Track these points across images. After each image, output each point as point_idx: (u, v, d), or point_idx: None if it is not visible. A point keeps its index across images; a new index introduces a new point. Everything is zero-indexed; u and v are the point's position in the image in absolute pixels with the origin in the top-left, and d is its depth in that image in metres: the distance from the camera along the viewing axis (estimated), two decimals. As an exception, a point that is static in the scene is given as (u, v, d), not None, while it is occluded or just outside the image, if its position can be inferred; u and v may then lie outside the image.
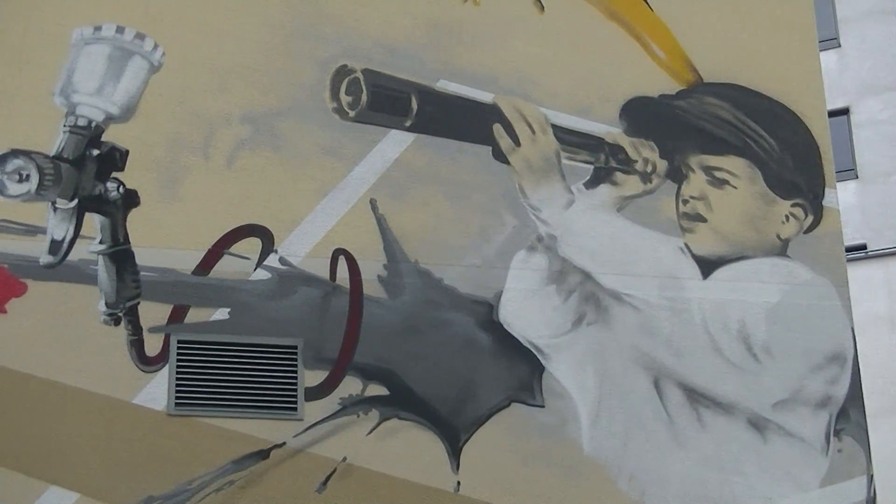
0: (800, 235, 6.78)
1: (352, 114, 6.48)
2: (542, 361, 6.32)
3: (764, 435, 6.39)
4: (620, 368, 6.38)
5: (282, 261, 6.24)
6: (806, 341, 6.56)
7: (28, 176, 6.01)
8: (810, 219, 6.83)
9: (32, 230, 6.03)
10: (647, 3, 6.97)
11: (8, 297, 5.95)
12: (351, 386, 6.14)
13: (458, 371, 6.25)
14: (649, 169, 6.69)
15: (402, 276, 6.28)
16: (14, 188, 6.02)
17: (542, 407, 6.26)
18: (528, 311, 6.38)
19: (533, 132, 6.61)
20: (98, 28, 6.26)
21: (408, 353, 6.24)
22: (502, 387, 6.28)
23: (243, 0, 6.51)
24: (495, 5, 6.80)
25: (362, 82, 6.46)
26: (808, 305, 6.61)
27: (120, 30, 6.29)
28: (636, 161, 6.69)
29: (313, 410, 6.07)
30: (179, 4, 6.47)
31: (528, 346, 6.34)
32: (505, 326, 6.37)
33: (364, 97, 6.44)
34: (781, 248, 6.75)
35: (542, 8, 6.85)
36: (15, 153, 6.04)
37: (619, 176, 6.67)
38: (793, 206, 6.83)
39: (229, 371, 6.07)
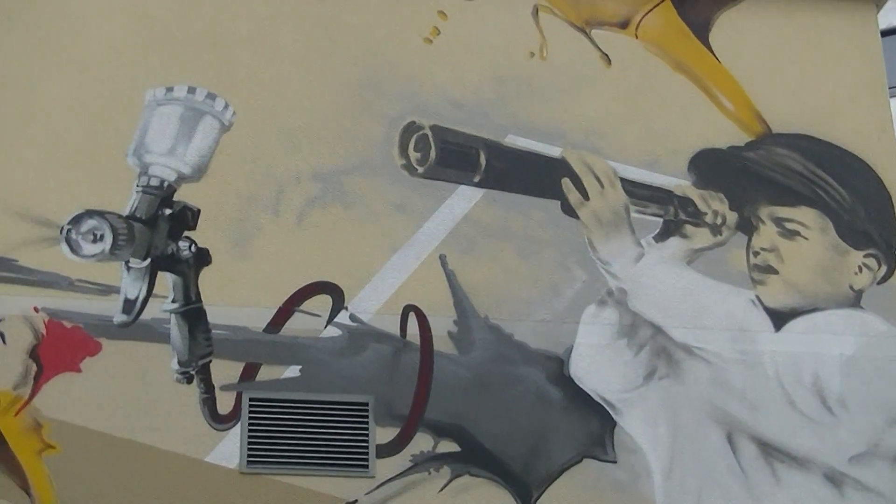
0: (873, 286, 6.74)
1: (420, 170, 6.53)
2: (614, 416, 6.31)
3: (841, 490, 6.34)
4: (693, 423, 6.34)
5: (352, 317, 6.28)
6: (882, 394, 6.51)
7: (102, 236, 6.14)
8: (884, 269, 6.80)
9: (106, 290, 6.15)
10: (714, 54, 6.99)
11: (83, 357, 6.06)
12: (422, 443, 6.15)
13: (530, 427, 6.25)
14: (719, 221, 6.69)
15: (473, 331, 6.31)
16: (89, 248, 6.14)
17: (615, 462, 6.24)
18: (599, 365, 6.38)
19: (602, 186, 6.64)
20: (170, 89, 6.37)
21: (479, 409, 6.24)
22: (574, 442, 6.27)
23: (312, 59, 6.57)
24: (562, 60, 6.86)
25: (431, 138, 6.53)
26: (884, 357, 6.56)
27: (191, 90, 6.40)
28: (706, 213, 6.70)
29: (385, 467, 6.10)
30: (249, 64, 6.58)
31: (600, 401, 6.33)
32: (576, 381, 6.37)
33: (433, 153, 6.51)
34: (855, 300, 6.72)
35: (609, 61, 6.90)
36: (89, 213, 6.19)
37: (688, 228, 6.68)
38: (865, 256, 6.80)
39: (301, 428, 6.12)
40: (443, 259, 6.38)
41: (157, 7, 6.58)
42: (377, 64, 6.65)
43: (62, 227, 6.15)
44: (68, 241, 6.15)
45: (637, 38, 6.94)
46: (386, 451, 6.10)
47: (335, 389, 6.17)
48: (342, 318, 6.31)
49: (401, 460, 6.10)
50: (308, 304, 6.30)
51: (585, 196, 6.61)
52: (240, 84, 6.50)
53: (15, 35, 6.43)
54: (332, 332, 6.29)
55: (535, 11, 6.85)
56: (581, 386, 6.35)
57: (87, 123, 6.35)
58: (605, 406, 6.33)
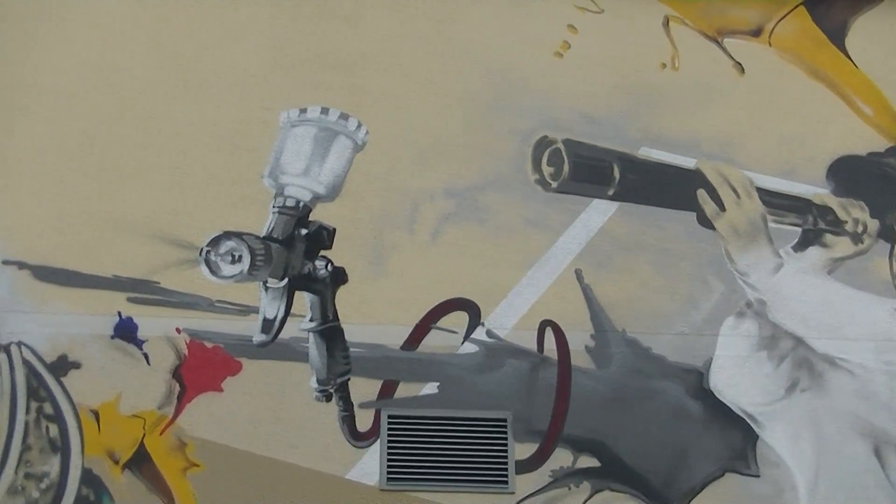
0: None
1: (554, 185, 6.63)
2: (756, 429, 6.32)
3: None
4: (838, 436, 6.33)
5: (489, 333, 6.40)
6: None
7: (240, 257, 6.29)
8: None
9: (245, 310, 6.33)
10: (850, 59, 6.99)
11: (224, 376, 6.26)
12: (561, 458, 6.23)
13: (670, 441, 6.29)
14: (860, 229, 6.69)
15: (610, 345, 6.38)
16: (227, 269, 6.31)
17: (758, 476, 6.26)
18: (739, 378, 6.41)
19: (738, 196, 6.68)
20: (303, 110, 6.54)
21: (618, 423, 6.30)
22: (715, 456, 6.30)
23: (443, 77, 6.71)
24: (694, 70, 6.92)
25: (563, 153, 6.63)
26: None
27: (324, 111, 6.56)
28: (846, 222, 6.70)
29: (524, 483, 6.19)
30: (381, 84, 6.74)
31: (741, 414, 6.35)
32: (716, 394, 6.39)
33: (566, 167, 6.61)
34: None
35: (743, 70, 6.94)
36: (227, 235, 6.36)
37: (828, 237, 6.68)
38: None
39: (440, 445, 6.23)
40: (578, 273, 6.47)
41: (286, 29, 6.78)
42: (508, 80, 6.76)
43: (201, 249, 6.34)
44: (207, 263, 6.32)
45: (770, 45, 6.98)
46: (525, 466, 6.18)
47: (473, 406, 6.27)
48: (479, 334, 6.42)
49: (540, 476, 6.18)
50: (445, 321, 6.41)
51: (721, 207, 6.65)
52: (372, 104, 6.65)
53: (151, 62, 6.69)
54: (469, 348, 6.39)
55: (666, 22, 6.92)
56: (721, 399, 6.37)
57: (224, 146, 6.54)
58: (746, 419, 6.34)
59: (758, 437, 6.33)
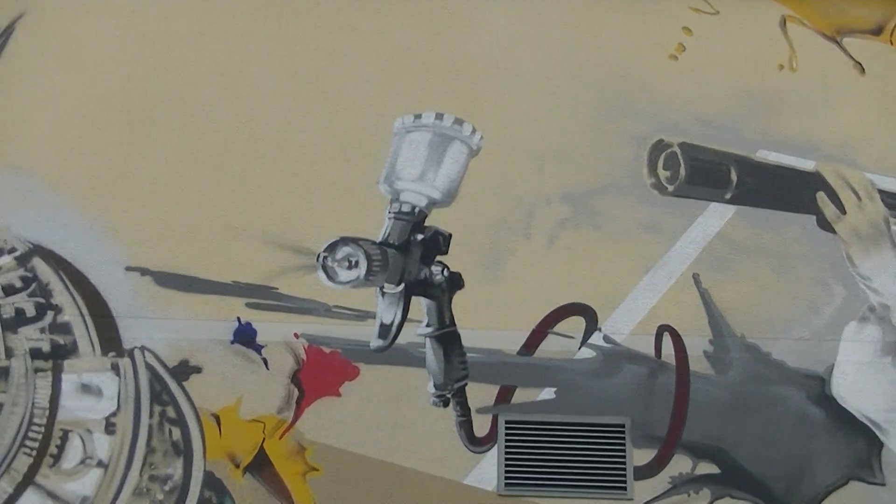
0: None
1: (670, 188, 6.67)
2: (881, 437, 6.28)
3: None
4: (966, 443, 6.27)
5: (606, 339, 6.45)
6: None
7: (357, 262, 6.42)
8: None
9: (363, 315, 6.44)
10: (976, 57, 6.95)
11: (342, 381, 6.37)
12: (680, 464, 6.24)
13: (791, 448, 6.27)
14: None
15: (729, 351, 6.39)
16: (344, 275, 6.43)
17: (884, 485, 6.21)
18: (862, 384, 6.37)
19: (859, 199, 6.65)
20: (418, 116, 6.65)
21: (738, 429, 6.30)
22: (838, 464, 6.26)
23: (557, 81, 6.79)
24: (813, 70, 6.91)
25: (680, 156, 6.67)
26: None
27: (439, 116, 6.66)
28: (971, 224, 6.64)
29: (643, 490, 6.22)
30: (495, 89, 6.84)
31: (865, 421, 6.31)
32: (839, 401, 6.36)
33: (682, 171, 6.65)
34: None
35: (863, 70, 6.92)
36: (344, 241, 6.49)
37: (954, 240, 6.63)
38: None
39: (558, 451, 6.29)
40: (696, 278, 6.49)
41: (402, 36, 6.88)
42: (623, 83, 6.82)
43: (318, 255, 6.46)
44: (325, 269, 6.45)
45: (892, 44, 6.95)
46: (644, 472, 6.21)
47: (591, 411, 6.33)
48: (596, 339, 6.46)
49: (659, 482, 6.20)
50: (561, 326, 6.47)
51: (842, 210, 6.63)
52: (486, 109, 6.73)
53: (272, 72, 6.86)
54: (586, 353, 6.45)
55: (783, 22, 6.92)
56: (844, 405, 6.33)
57: (340, 152, 6.66)
58: (870, 426, 6.27)
59: (883, 444, 6.26)
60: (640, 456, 6.25)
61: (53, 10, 6.79)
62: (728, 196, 6.56)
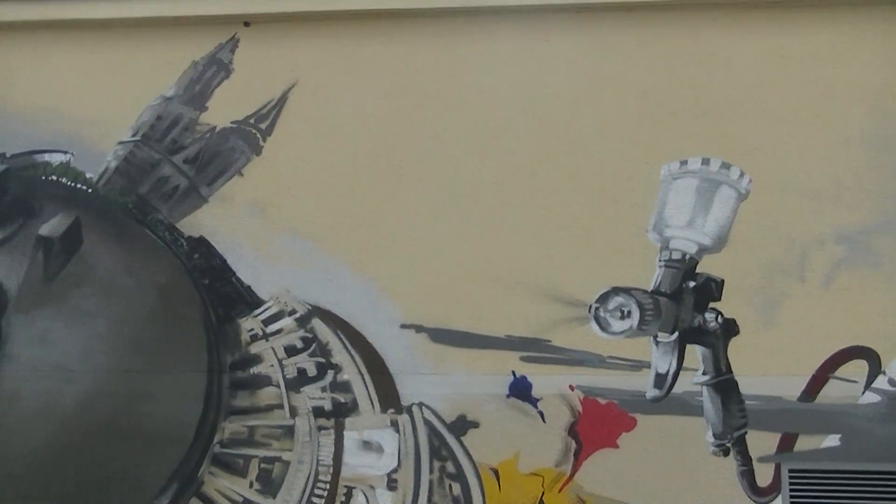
0: None
1: (951, 224, 6.46)
2: None
3: None
4: None
5: (891, 382, 6.42)
6: None
7: (629, 312, 6.56)
8: None
9: (638, 365, 6.57)
10: None
11: (619, 432, 6.51)
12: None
13: None
14: None
15: None
16: (617, 325, 6.58)
17: None
18: None
19: None
20: (684, 162, 6.75)
21: None
22: None
23: (822, 118, 6.79)
24: None
25: (958, 191, 6.57)
26: None
27: (706, 161, 6.74)
28: None
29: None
30: (759, 129, 6.84)
31: None
32: None
33: (963, 205, 6.54)
34: None
35: None
36: (616, 291, 6.62)
37: None
38: None
39: (845, 500, 6.30)
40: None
41: (660, 80, 6.93)
42: (892, 116, 6.74)
43: (590, 306, 6.60)
44: (597, 319, 6.59)
45: None
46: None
47: (879, 458, 6.30)
48: (880, 382, 6.44)
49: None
50: (843, 370, 6.45)
51: None
52: (750, 150, 6.75)
53: (529, 120, 6.97)
54: (871, 398, 6.43)
55: None
56: None
57: (606, 202, 6.78)
58: None
59: None
60: (934, 503, 6.01)
61: (321, 77, 7.07)
62: None
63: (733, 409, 6.45)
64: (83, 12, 7.28)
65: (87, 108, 7.25)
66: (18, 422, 6.86)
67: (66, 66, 7.35)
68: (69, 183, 7.17)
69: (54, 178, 7.20)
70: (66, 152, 7.22)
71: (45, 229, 7.03)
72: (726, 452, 6.44)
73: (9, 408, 6.88)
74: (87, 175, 7.21)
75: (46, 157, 7.23)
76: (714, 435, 6.46)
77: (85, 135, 7.25)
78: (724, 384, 6.49)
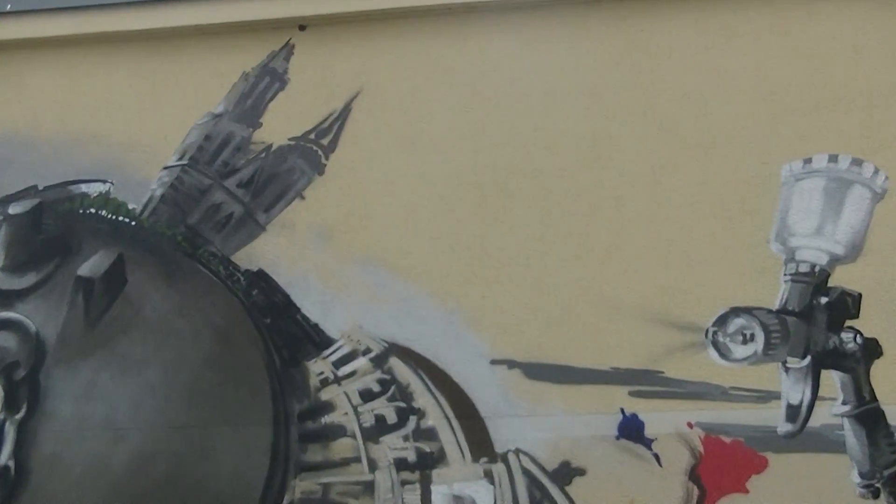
0: None
1: None
2: None
3: None
4: None
5: None
6: None
7: (752, 336, 5.94)
8: None
9: (766, 396, 5.92)
10: None
11: (748, 475, 5.88)
12: None
13: None
14: None
15: None
16: (739, 351, 5.97)
17: None
18: None
19: None
20: (808, 160, 6.12)
21: None
22: None
23: None
24: None
25: None
26: None
27: (833, 158, 6.09)
28: None
29: None
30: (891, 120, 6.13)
31: None
32: None
33: None
34: None
35: None
36: (735, 311, 6.00)
37: None
38: None
39: None
40: None
41: (776, 72, 6.32)
42: None
43: (707, 331, 6.00)
44: (716, 345, 5.99)
45: None
46: None
47: None
48: None
49: None
50: None
51: None
52: (887, 145, 6.08)
53: (638, 128, 6.42)
54: None
55: None
56: None
57: (720, 211, 6.18)
58: None
59: None
60: None
61: (389, 83, 6.56)
62: None
63: (881, 444, 5.81)
64: (117, 23, 6.82)
65: (127, 131, 6.83)
66: (62, 488, 6.33)
67: (100, 85, 6.92)
68: (110, 216, 6.77)
69: (93, 210, 6.78)
70: (105, 181, 6.80)
71: (85, 269, 6.62)
72: (876, 494, 5.77)
73: (50, 472, 6.36)
74: (130, 206, 6.78)
75: (83, 187, 6.80)
76: (860, 474, 5.81)
77: (125, 161, 6.81)
78: (869, 414, 5.85)
